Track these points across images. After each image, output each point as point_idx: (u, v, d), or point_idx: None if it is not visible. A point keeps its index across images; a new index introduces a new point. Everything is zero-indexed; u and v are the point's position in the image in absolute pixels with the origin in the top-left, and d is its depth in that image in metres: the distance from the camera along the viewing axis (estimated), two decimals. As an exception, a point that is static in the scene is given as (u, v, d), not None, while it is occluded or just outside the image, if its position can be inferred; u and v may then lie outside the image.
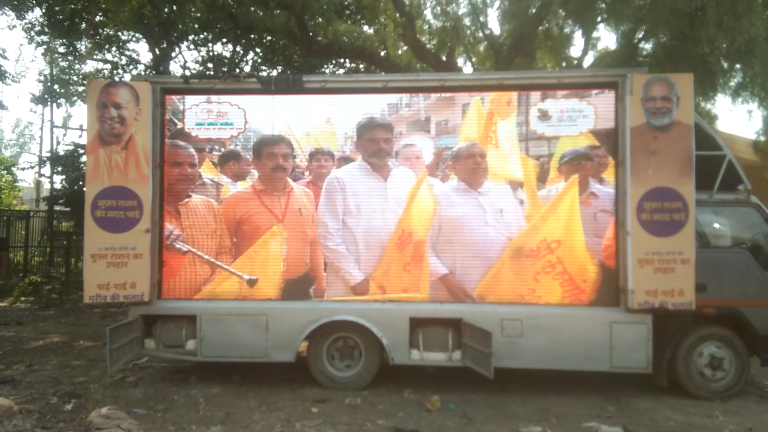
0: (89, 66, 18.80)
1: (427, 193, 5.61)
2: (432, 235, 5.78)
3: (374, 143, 5.89)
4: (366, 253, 5.93)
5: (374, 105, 6.07)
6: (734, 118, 64.92)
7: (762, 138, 11.24)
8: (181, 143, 6.33)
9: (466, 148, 5.99)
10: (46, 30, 15.51)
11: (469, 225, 5.73)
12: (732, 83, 10.76)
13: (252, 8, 13.05)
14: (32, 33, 16.21)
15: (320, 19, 11.97)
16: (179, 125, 6.58)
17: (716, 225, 6.73)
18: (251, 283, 5.91)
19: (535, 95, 6.33)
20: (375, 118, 5.99)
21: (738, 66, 10.16)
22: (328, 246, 6.03)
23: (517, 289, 6.01)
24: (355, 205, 5.77)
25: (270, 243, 5.94)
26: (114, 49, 17.88)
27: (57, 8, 13.59)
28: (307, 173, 6.22)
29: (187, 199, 6.37)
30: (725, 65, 10.09)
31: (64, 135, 23.22)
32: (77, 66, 18.54)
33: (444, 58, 13.76)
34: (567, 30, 12.93)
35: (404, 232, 5.61)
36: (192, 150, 6.40)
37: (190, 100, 6.64)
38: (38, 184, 27.78)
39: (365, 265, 6.00)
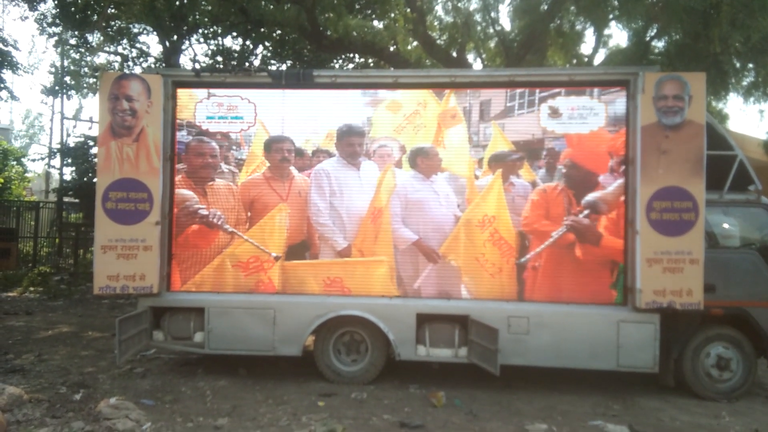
0: (100, 58, 18.87)
1: (392, 180, 6.56)
2: (400, 212, 6.53)
3: (350, 146, 6.62)
4: (348, 226, 6.57)
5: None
6: (746, 117, 64.35)
7: (773, 138, 11.14)
8: (206, 138, 6.68)
9: (428, 149, 6.57)
10: (58, 22, 15.56)
11: (428, 205, 6.51)
12: (744, 83, 10.70)
13: (263, 2, 13.06)
14: (44, 24, 16.26)
15: (331, 14, 11.95)
16: (189, 119, 6.67)
17: (726, 225, 6.70)
18: (276, 259, 6.57)
19: (545, 92, 6.41)
20: (352, 126, 6.63)
21: (750, 65, 10.09)
22: (319, 221, 6.59)
23: (471, 252, 6.44)
24: (339, 190, 6.60)
25: (276, 217, 6.62)
26: (125, 41, 17.92)
27: (69, 0, 13.64)
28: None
29: (211, 183, 6.66)
30: (737, 64, 10.03)
31: (75, 127, 23.31)
32: (88, 58, 18.60)
33: (454, 54, 13.73)
34: (578, 27, 12.89)
35: (376, 209, 6.52)
36: (215, 144, 6.67)
37: (201, 93, 6.68)
38: (48, 175, 27.97)
39: (348, 235, 6.55)
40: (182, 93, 6.69)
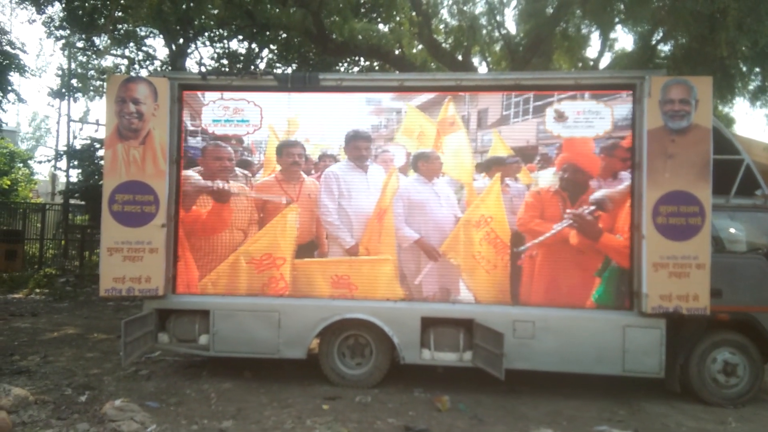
0: (107, 61, 18.98)
1: (396, 183, 6.69)
2: (403, 213, 6.61)
3: (357, 150, 6.72)
4: (356, 225, 6.65)
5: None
6: (752, 121, 64.17)
7: (780, 143, 11.10)
8: (222, 143, 6.72)
9: (429, 153, 6.65)
10: (66, 25, 15.66)
11: (429, 206, 6.62)
12: (751, 87, 10.67)
13: (269, 5, 13.10)
14: (52, 27, 16.36)
15: (336, 17, 11.99)
16: (196, 122, 6.70)
17: (732, 230, 6.66)
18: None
19: (550, 96, 6.41)
20: (358, 130, 6.71)
21: (757, 69, 10.06)
22: (328, 221, 6.66)
23: (469, 250, 6.49)
24: (347, 191, 6.72)
25: (287, 217, 6.71)
26: (132, 44, 18.02)
27: (77, 3, 13.73)
28: (313, 171, 6.78)
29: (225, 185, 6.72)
30: (744, 68, 10.00)
31: (81, 129, 23.38)
32: (95, 61, 18.70)
33: (460, 58, 13.73)
34: (584, 31, 12.85)
35: (381, 209, 6.63)
36: (230, 149, 6.72)
37: (208, 96, 6.71)
38: (54, 177, 28.07)
39: (355, 234, 6.62)
40: (189, 96, 6.72)
